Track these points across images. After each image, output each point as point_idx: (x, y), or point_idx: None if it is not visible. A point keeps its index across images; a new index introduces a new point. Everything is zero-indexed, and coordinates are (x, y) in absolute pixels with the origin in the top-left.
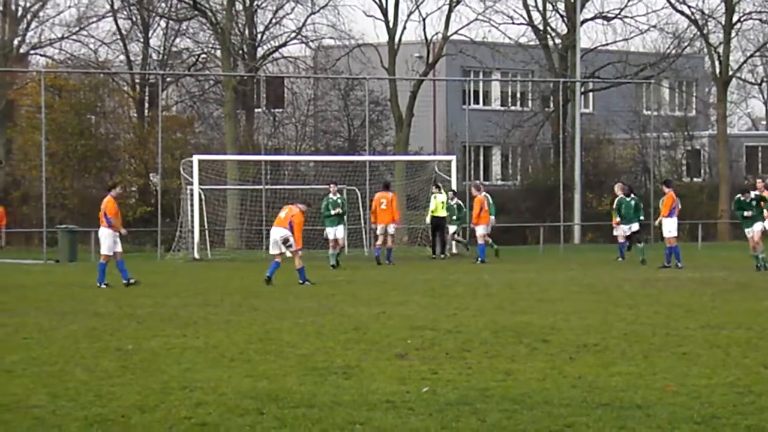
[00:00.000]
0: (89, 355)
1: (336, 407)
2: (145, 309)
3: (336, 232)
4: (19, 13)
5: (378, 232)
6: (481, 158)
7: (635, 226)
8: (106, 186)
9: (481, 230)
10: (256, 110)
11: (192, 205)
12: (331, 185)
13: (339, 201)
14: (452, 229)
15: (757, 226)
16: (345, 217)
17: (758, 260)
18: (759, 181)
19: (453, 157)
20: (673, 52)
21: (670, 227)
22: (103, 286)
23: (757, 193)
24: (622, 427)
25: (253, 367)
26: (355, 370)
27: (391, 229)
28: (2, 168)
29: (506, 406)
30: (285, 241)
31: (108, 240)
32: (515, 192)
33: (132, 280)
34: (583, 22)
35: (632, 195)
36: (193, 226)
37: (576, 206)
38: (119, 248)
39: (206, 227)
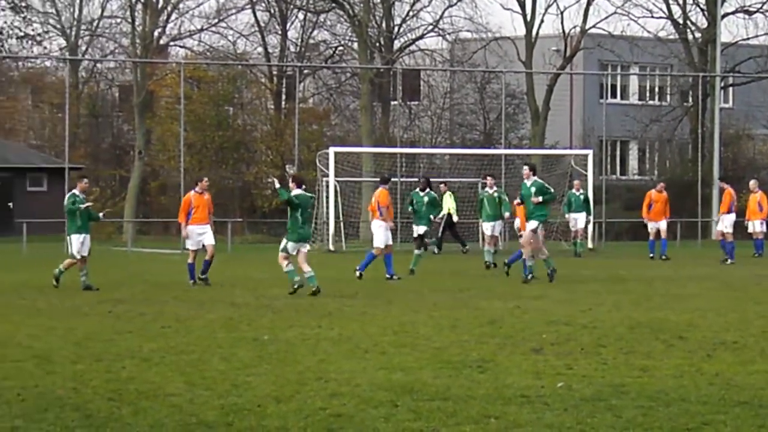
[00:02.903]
0: (226, 344)
1: (470, 401)
2: (281, 300)
3: (494, 228)
4: (160, 5)
5: None
6: (618, 153)
7: (422, 229)
8: (382, 178)
9: None
10: (392, 103)
11: (327, 197)
12: (488, 178)
13: (495, 195)
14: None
15: None
16: (504, 212)
17: None
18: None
19: (589, 152)
20: None
21: (727, 223)
22: (395, 278)
23: None
24: (761, 426)
25: (388, 359)
26: (490, 364)
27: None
28: (141, 158)
29: (642, 403)
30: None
31: (381, 232)
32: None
33: (395, 277)
34: (724, 16)
35: (428, 190)
36: (328, 218)
37: (714, 202)
38: (390, 241)
39: (341, 219)
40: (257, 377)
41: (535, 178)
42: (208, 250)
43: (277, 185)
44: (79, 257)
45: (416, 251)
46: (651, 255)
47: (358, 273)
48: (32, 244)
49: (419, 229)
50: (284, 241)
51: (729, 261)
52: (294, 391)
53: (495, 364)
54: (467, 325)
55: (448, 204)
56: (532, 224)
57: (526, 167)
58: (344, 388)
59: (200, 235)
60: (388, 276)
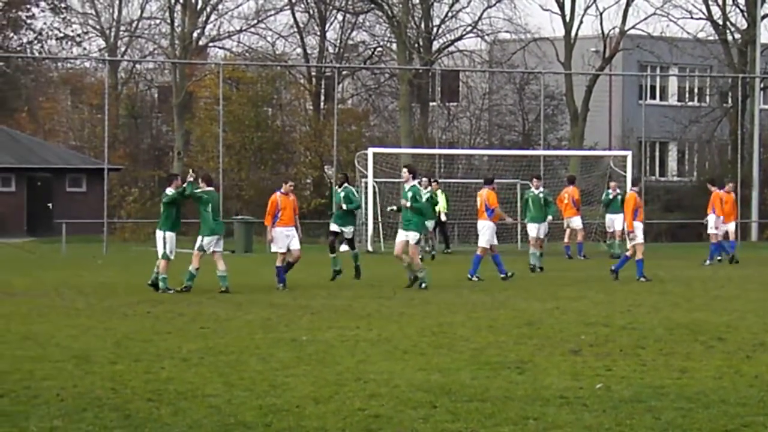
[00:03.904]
0: (264, 345)
1: (509, 402)
2: (319, 301)
3: (538, 230)
4: (199, 6)
5: (564, 226)
6: (657, 154)
7: (348, 230)
8: (486, 179)
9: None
10: (430, 104)
11: (366, 197)
12: (534, 180)
13: (541, 196)
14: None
15: None
16: (549, 214)
17: None
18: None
19: (629, 153)
20: None
21: (716, 224)
22: (475, 278)
23: None
24: None
25: (426, 360)
26: (529, 365)
27: (573, 223)
28: (180, 159)
29: (681, 405)
30: None
31: (488, 233)
32: (691, 188)
33: (509, 274)
34: (764, 17)
35: (345, 185)
36: (366, 219)
37: (753, 203)
38: (496, 241)
39: (380, 220)
40: (296, 378)
41: (415, 182)
42: (294, 254)
43: (190, 179)
44: (172, 257)
45: (352, 251)
46: (725, 256)
47: (474, 278)
48: (71, 244)
49: (334, 227)
50: (200, 238)
51: (707, 262)
52: (333, 392)
53: (533, 365)
54: (505, 326)
55: (439, 202)
56: (414, 236)
57: (405, 169)
58: (383, 389)
59: (287, 237)
60: (502, 276)
